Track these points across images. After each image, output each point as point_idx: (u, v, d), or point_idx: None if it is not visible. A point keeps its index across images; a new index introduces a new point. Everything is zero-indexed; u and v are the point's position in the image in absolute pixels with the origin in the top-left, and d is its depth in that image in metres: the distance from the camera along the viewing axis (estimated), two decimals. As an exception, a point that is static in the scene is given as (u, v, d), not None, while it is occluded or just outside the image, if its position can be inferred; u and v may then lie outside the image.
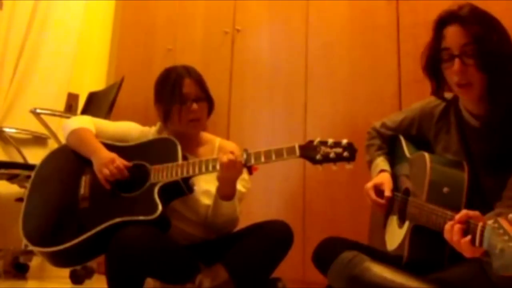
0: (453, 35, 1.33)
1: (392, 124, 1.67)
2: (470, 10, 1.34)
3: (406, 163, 1.55)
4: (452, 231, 1.11)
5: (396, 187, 1.56)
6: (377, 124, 1.72)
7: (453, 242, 1.11)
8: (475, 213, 1.10)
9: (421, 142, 1.54)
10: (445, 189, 1.31)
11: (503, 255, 0.94)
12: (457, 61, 1.30)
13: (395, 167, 1.62)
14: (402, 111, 1.69)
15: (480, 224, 1.05)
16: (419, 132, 1.58)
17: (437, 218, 1.23)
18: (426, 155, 1.40)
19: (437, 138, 1.50)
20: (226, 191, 1.71)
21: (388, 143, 1.68)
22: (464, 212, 1.12)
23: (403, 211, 1.46)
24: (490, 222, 1.01)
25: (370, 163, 1.68)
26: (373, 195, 1.53)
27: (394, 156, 1.66)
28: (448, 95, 1.48)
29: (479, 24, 1.31)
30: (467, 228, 1.09)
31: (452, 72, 1.32)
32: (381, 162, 1.63)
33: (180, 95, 1.80)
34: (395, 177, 1.59)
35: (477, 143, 1.40)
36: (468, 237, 1.07)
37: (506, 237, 0.96)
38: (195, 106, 1.80)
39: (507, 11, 1.99)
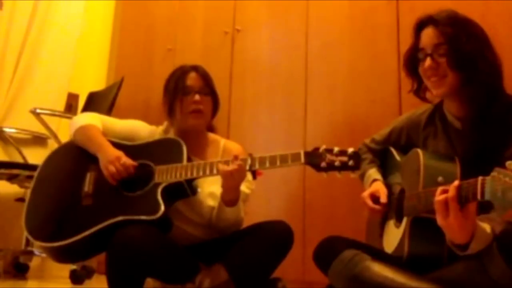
0: (427, 37, 1.42)
1: (381, 137, 1.71)
2: (445, 14, 1.42)
3: (398, 172, 1.58)
4: (441, 194, 1.16)
5: (390, 194, 1.59)
6: (367, 140, 1.75)
7: (439, 203, 1.16)
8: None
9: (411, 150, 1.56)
10: (440, 179, 1.34)
11: (505, 194, 0.97)
12: (428, 58, 1.40)
13: (388, 177, 1.65)
14: (389, 124, 1.72)
15: (480, 178, 1.08)
16: (408, 141, 1.62)
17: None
18: (419, 150, 1.45)
19: (426, 143, 1.54)
20: (230, 197, 1.71)
21: (379, 157, 1.72)
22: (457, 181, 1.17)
23: (400, 208, 1.47)
24: (489, 177, 1.05)
25: (362, 176, 1.71)
26: (370, 203, 1.55)
27: (386, 167, 1.69)
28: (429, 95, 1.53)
29: (452, 26, 1.39)
30: (462, 193, 1.12)
31: (424, 69, 1.41)
32: (373, 173, 1.66)
33: (184, 87, 1.82)
34: (388, 186, 1.61)
35: (460, 144, 1.44)
36: (452, 192, 1.13)
37: (507, 179, 0.98)
38: (197, 97, 1.81)
39: (506, 11, 2.00)
